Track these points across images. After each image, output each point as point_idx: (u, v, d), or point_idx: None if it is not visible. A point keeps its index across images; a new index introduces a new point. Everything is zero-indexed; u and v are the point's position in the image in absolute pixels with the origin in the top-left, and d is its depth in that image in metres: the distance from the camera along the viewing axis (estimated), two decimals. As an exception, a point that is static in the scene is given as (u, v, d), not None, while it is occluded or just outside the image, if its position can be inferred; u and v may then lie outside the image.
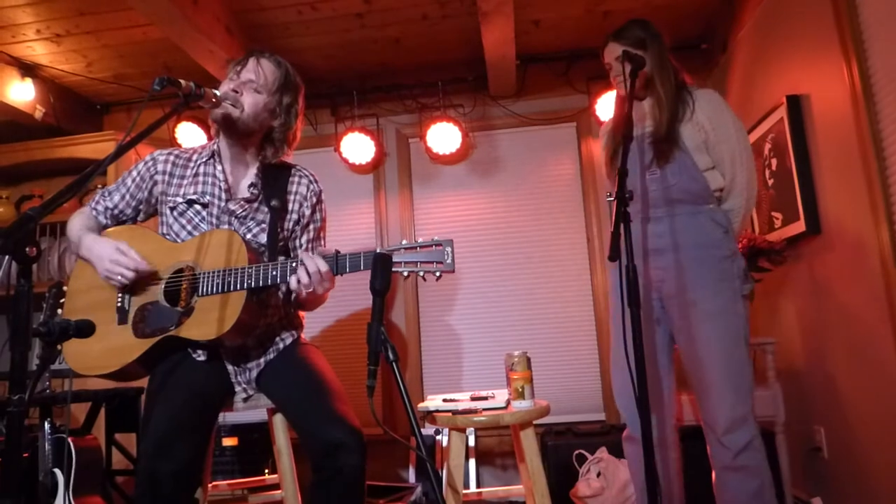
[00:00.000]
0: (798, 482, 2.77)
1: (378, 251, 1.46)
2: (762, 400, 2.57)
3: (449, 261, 1.63)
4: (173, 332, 1.71)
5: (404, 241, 1.65)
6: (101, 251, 1.75)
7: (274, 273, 1.70)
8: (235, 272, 1.70)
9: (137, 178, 1.94)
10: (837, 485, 2.54)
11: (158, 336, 1.72)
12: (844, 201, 2.37)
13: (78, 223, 1.88)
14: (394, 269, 1.56)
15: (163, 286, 1.78)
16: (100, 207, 1.94)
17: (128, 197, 1.94)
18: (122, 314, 1.79)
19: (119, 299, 1.81)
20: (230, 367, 1.85)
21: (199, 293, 1.73)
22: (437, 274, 1.63)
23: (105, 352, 1.75)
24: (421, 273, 1.62)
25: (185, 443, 1.60)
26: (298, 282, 1.67)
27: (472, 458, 3.39)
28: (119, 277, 1.72)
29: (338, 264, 1.70)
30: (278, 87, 1.92)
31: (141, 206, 1.96)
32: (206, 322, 1.70)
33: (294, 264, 1.69)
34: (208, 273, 1.73)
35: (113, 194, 1.94)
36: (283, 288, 1.92)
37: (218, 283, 1.71)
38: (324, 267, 1.67)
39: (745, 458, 1.91)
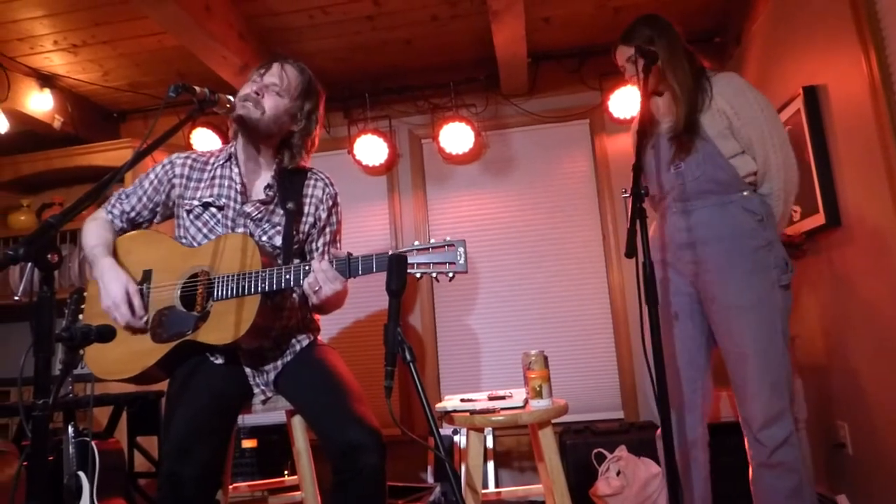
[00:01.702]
0: (822, 479, 2.74)
1: (391, 253, 1.47)
2: (784, 395, 2.54)
3: (461, 261, 1.62)
4: (190, 336, 1.73)
5: (416, 243, 1.65)
6: (110, 285, 1.75)
7: (287, 277, 1.71)
8: (249, 276, 1.72)
9: (155, 181, 1.94)
10: (862, 481, 2.50)
11: (176, 341, 1.74)
12: (864, 193, 2.33)
13: (93, 234, 1.88)
14: (407, 272, 1.56)
15: (178, 291, 1.80)
16: (116, 211, 1.94)
17: (145, 199, 1.95)
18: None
19: None
20: (248, 370, 1.86)
21: (215, 297, 1.75)
22: (450, 274, 1.62)
23: (124, 357, 1.77)
24: (434, 274, 1.62)
25: (205, 446, 1.61)
26: (309, 286, 1.69)
27: (491, 457, 3.38)
28: (114, 318, 1.74)
29: (350, 267, 1.70)
30: (300, 93, 1.94)
31: (158, 209, 1.97)
32: (223, 326, 1.71)
33: (307, 268, 1.70)
34: (223, 277, 1.75)
35: (130, 197, 1.95)
36: (299, 291, 1.93)
37: (233, 287, 1.73)
38: (325, 266, 1.68)
39: (782, 454, 1.88)
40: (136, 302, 1.74)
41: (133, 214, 1.95)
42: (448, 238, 1.64)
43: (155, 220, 2.00)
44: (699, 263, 2.00)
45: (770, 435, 1.88)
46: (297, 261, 1.93)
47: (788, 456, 1.88)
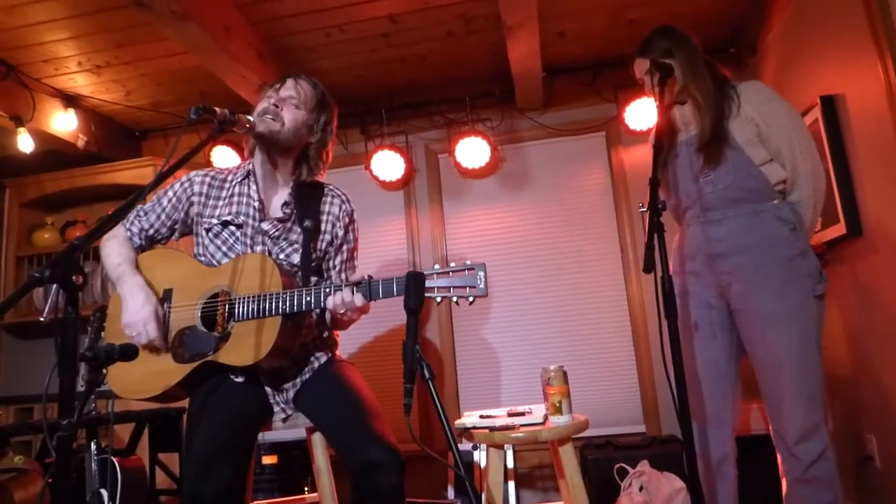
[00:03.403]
0: (850, 493, 2.68)
1: (409, 271, 1.47)
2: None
3: (482, 285, 1.59)
4: (212, 357, 1.74)
5: (436, 266, 1.62)
6: (134, 308, 1.76)
7: (308, 299, 1.71)
8: (270, 297, 1.72)
9: (174, 199, 1.96)
10: (892, 494, 2.44)
11: (197, 361, 1.75)
12: (886, 201, 2.30)
13: (115, 251, 1.89)
14: (426, 295, 1.55)
15: (199, 311, 1.81)
16: (134, 229, 1.96)
17: (164, 217, 1.96)
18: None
19: None
20: (268, 389, 1.87)
21: (236, 318, 1.75)
22: (470, 298, 1.60)
23: (146, 376, 1.78)
24: (454, 298, 1.60)
25: (227, 464, 1.62)
26: (333, 305, 1.69)
27: (512, 476, 3.36)
28: (132, 337, 1.75)
29: (370, 290, 1.70)
30: (316, 105, 1.97)
31: (177, 227, 1.98)
32: (244, 347, 1.72)
33: (328, 290, 1.71)
34: (243, 298, 1.75)
35: (149, 215, 1.96)
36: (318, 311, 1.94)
37: (254, 308, 1.73)
38: (360, 302, 1.68)
39: (818, 469, 1.85)
40: (156, 327, 1.75)
41: (151, 232, 1.97)
42: (468, 262, 1.62)
43: (173, 238, 2.02)
44: (731, 273, 1.98)
45: (806, 449, 1.85)
46: (314, 279, 1.94)
47: (824, 470, 1.85)
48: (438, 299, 1.61)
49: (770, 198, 1.96)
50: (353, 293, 1.68)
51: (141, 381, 1.79)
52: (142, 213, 1.97)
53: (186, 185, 1.97)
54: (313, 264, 1.95)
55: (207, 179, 1.98)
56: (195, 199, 1.95)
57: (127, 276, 1.82)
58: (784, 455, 1.92)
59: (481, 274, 1.61)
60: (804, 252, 1.93)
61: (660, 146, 1.83)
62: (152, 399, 1.81)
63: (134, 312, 1.75)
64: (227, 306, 1.78)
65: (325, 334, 2.01)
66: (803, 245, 1.94)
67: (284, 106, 1.91)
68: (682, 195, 2.08)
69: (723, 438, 2.02)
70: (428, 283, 1.58)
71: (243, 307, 1.75)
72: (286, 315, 1.73)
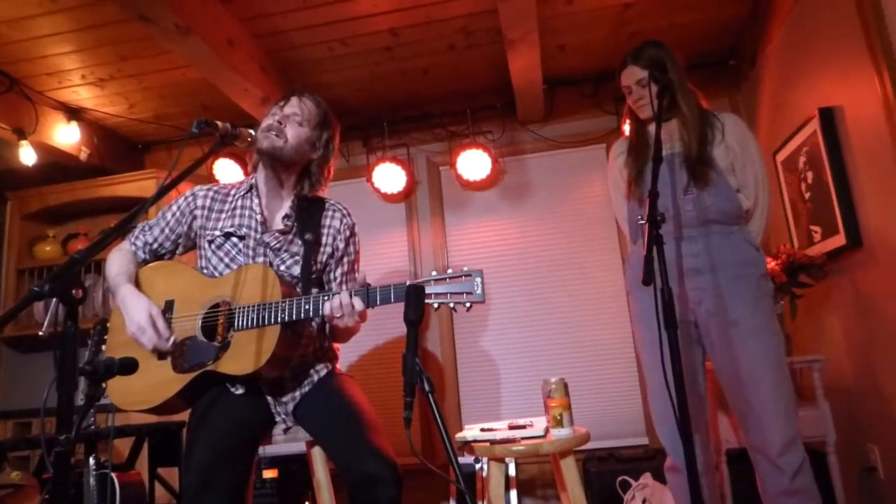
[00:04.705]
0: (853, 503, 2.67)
1: (409, 283, 1.47)
2: (811, 419, 2.50)
3: (479, 291, 1.62)
4: (211, 366, 1.74)
5: (434, 273, 1.65)
6: (133, 312, 1.77)
7: (307, 307, 1.72)
8: (270, 306, 1.73)
9: (178, 213, 1.99)
10: (895, 507, 2.43)
11: (197, 371, 1.75)
12: (885, 212, 2.31)
13: (116, 264, 1.92)
14: (425, 301, 1.57)
15: (200, 321, 1.82)
16: (139, 243, 1.99)
17: (167, 231, 1.99)
18: None
19: None
20: (269, 399, 1.87)
21: (235, 327, 1.76)
22: (468, 304, 1.62)
23: (145, 387, 1.78)
24: (451, 304, 1.63)
25: (228, 473, 1.61)
26: (331, 308, 1.69)
27: (514, 486, 3.33)
28: (141, 342, 1.75)
29: (368, 297, 1.71)
30: (318, 123, 2.00)
31: (180, 241, 2.01)
32: (243, 356, 1.72)
33: (326, 298, 1.72)
34: (243, 308, 1.76)
35: (153, 229, 1.99)
36: (317, 319, 1.94)
37: (253, 318, 1.74)
38: (358, 305, 1.69)
39: (801, 480, 1.86)
40: (161, 324, 1.76)
41: (156, 246, 1.99)
42: (466, 269, 1.64)
43: (177, 252, 2.04)
44: (705, 289, 2.00)
45: (789, 460, 1.87)
46: (315, 290, 1.95)
47: (807, 482, 1.88)
48: (436, 305, 1.62)
49: (738, 221, 2.05)
50: (350, 297, 1.69)
51: (140, 393, 1.78)
52: (146, 228, 2.00)
53: (190, 199, 2.00)
54: (313, 276, 1.96)
55: (210, 193, 2.01)
56: (198, 212, 1.98)
57: (119, 286, 1.85)
58: (766, 468, 1.92)
59: (478, 280, 1.62)
60: (765, 273, 2.04)
61: (657, 159, 1.83)
62: (152, 410, 1.80)
63: (130, 322, 1.76)
64: (226, 316, 1.79)
65: (326, 345, 2.01)
66: (765, 267, 2.04)
67: (288, 123, 1.94)
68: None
69: (700, 449, 2.02)
70: (426, 290, 1.59)
71: (243, 316, 1.75)
72: (285, 324, 1.73)
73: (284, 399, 1.88)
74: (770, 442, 1.88)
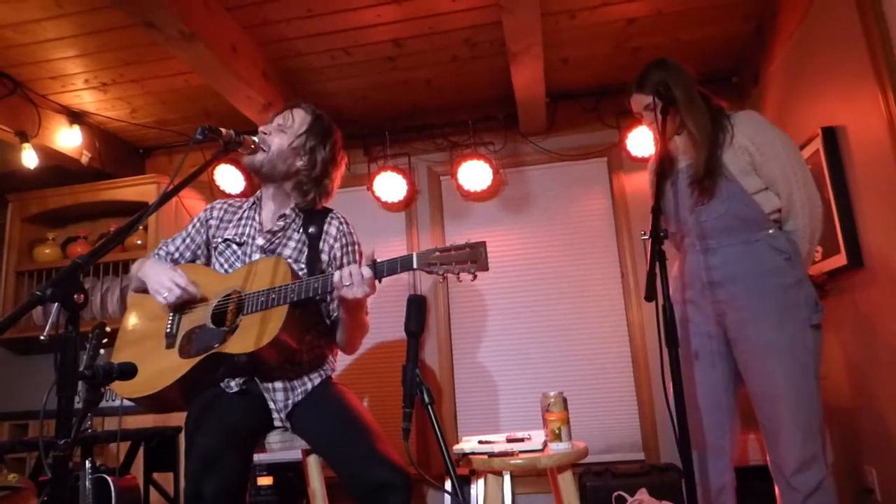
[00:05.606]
0: (850, 527, 2.66)
1: (409, 294, 1.47)
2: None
3: (483, 259, 1.62)
4: (217, 348, 1.75)
5: (438, 246, 1.66)
6: (156, 270, 1.85)
7: (315, 285, 1.72)
8: (279, 289, 1.75)
9: (197, 224, 2.10)
10: (893, 530, 2.42)
11: (203, 354, 1.75)
12: (887, 233, 2.31)
13: (139, 263, 1.97)
14: (431, 271, 1.60)
15: (211, 310, 1.85)
16: (161, 252, 2.09)
17: (188, 240, 2.09)
18: (171, 339, 1.86)
19: (168, 325, 1.88)
20: (267, 396, 1.86)
21: (244, 312, 1.78)
22: (472, 273, 1.62)
23: (150, 375, 1.79)
24: (457, 272, 1.62)
25: (231, 457, 1.63)
26: (340, 277, 1.69)
27: (510, 500, 3.31)
28: (165, 293, 1.79)
29: (375, 270, 1.70)
30: (305, 130, 2.01)
31: (199, 251, 2.09)
32: (248, 336, 1.73)
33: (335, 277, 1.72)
34: (253, 294, 1.79)
35: (175, 239, 2.10)
36: (327, 321, 1.97)
37: (262, 301, 1.76)
38: (367, 273, 1.68)
39: (815, 501, 1.83)
40: (185, 277, 1.81)
41: (177, 255, 2.08)
42: (469, 241, 1.65)
43: (197, 262, 2.10)
44: (727, 303, 1.98)
45: (803, 480, 1.83)
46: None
47: (822, 502, 1.83)
48: (441, 274, 1.62)
49: (764, 227, 1.96)
50: (359, 266, 1.70)
51: (144, 381, 1.78)
52: (169, 241, 2.11)
53: (208, 211, 2.12)
54: (317, 267, 1.97)
55: (226, 206, 2.13)
56: (213, 222, 2.09)
57: (146, 262, 1.93)
58: (781, 486, 1.90)
59: (482, 249, 1.63)
60: (800, 281, 1.92)
61: (662, 174, 1.83)
62: (151, 399, 1.79)
63: (157, 279, 1.82)
64: (236, 303, 1.81)
65: (324, 354, 2.00)
66: (799, 274, 1.93)
67: (273, 132, 1.98)
68: (680, 223, 2.09)
69: (722, 468, 2.00)
70: (431, 260, 1.61)
71: (252, 302, 1.77)
72: (293, 304, 1.73)
73: (278, 398, 1.87)
74: (785, 460, 1.86)
